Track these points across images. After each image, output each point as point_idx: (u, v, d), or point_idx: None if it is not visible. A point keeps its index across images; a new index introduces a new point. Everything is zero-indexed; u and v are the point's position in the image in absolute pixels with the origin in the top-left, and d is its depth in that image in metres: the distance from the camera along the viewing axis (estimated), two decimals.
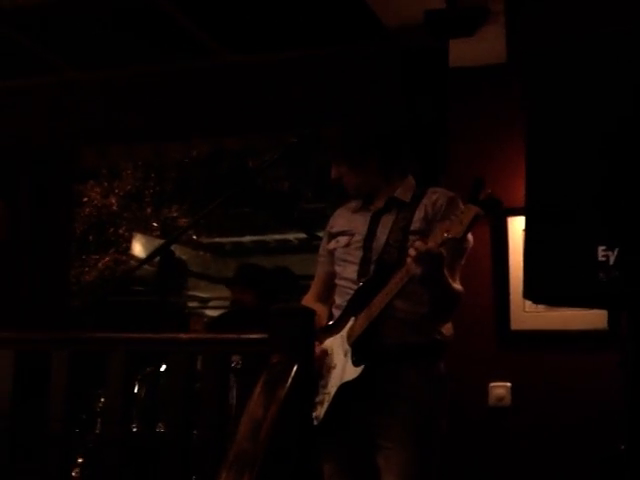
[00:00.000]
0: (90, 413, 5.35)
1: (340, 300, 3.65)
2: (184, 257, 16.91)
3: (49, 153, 6.76)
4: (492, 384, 4.87)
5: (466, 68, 5.13)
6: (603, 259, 2.46)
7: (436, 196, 3.56)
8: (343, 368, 3.42)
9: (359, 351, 3.40)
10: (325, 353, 3.54)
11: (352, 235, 3.67)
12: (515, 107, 4.03)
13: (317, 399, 3.47)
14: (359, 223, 3.68)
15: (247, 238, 18.82)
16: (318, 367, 3.45)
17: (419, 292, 3.36)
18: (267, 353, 2.79)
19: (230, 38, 6.02)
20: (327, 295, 3.80)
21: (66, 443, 3.27)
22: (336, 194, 3.95)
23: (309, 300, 3.82)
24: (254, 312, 6.08)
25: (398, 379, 3.42)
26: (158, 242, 4.05)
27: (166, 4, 5.52)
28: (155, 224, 17.44)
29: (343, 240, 3.70)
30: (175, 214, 17.23)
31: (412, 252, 3.14)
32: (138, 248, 16.56)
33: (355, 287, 3.54)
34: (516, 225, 4.81)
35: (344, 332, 3.49)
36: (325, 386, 3.48)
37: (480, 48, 5.04)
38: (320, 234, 4.24)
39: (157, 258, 4.05)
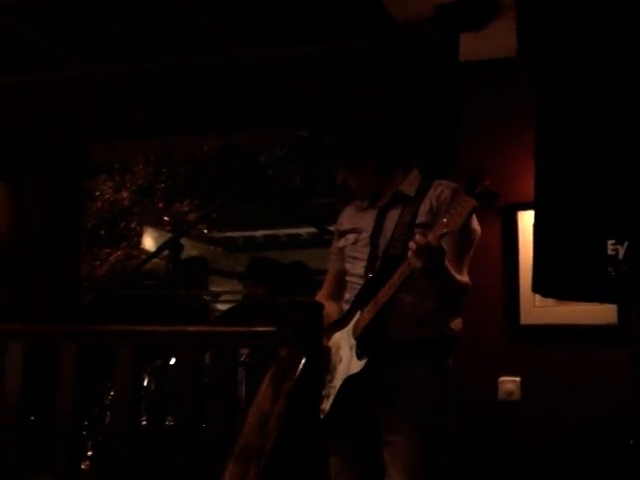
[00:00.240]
0: (100, 406, 5.38)
1: (349, 295, 3.67)
2: (195, 252, 16.96)
3: (58, 149, 6.77)
4: (502, 379, 4.86)
5: (476, 62, 5.12)
6: (612, 253, 2.45)
7: (441, 188, 3.56)
8: (349, 362, 3.44)
9: (363, 344, 3.41)
10: (328, 349, 3.55)
11: (360, 232, 3.69)
12: (525, 101, 4.02)
13: (324, 393, 3.48)
14: (366, 220, 3.69)
15: (259, 233, 18.86)
16: (324, 359, 3.46)
17: (424, 285, 3.36)
18: (276, 346, 2.79)
19: (240, 33, 6.03)
20: (339, 292, 3.81)
21: (75, 436, 3.27)
22: (348, 194, 3.95)
23: (321, 298, 3.82)
24: (264, 305, 6.08)
25: (405, 374, 3.42)
26: (169, 236, 4.08)
27: None
28: (166, 218, 17.48)
29: (351, 237, 3.72)
30: (186, 209, 17.26)
31: (412, 246, 3.14)
32: (149, 242, 16.59)
33: (362, 282, 3.56)
34: (526, 219, 4.80)
35: (350, 326, 3.51)
36: (331, 380, 3.49)
37: (490, 42, 5.04)
38: (331, 228, 4.25)
39: (166, 252, 4.04)
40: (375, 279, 3.46)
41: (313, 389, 2.85)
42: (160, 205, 17.55)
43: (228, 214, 17.50)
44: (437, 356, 3.50)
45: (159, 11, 5.72)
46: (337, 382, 3.46)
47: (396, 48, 5.62)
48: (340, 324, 3.59)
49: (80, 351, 3.14)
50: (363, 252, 3.62)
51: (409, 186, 3.64)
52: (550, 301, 4.66)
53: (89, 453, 5.26)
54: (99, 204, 16.38)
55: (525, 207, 4.73)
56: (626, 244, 2.42)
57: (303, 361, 2.69)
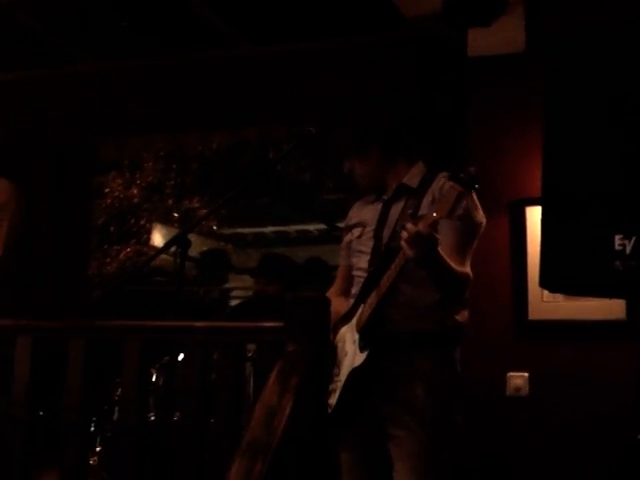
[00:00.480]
0: (109, 402, 5.39)
1: (355, 290, 3.68)
2: (205, 248, 16.96)
3: (67, 145, 6.78)
4: (510, 374, 4.85)
5: (484, 58, 5.11)
6: (620, 248, 2.45)
7: (443, 180, 3.55)
8: (353, 355, 3.44)
9: (364, 337, 3.41)
10: (335, 344, 3.56)
11: (364, 226, 3.70)
12: (532, 96, 4.01)
13: (331, 387, 3.48)
14: (371, 214, 3.70)
15: (268, 229, 18.87)
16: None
17: (425, 277, 3.36)
18: (283, 341, 2.80)
19: (249, 29, 6.03)
20: (348, 288, 3.81)
21: (83, 432, 3.28)
22: (355, 186, 3.96)
23: (332, 294, 3.82)
24: (274, 301, 6.07)
25: (407, 366, 3.42)
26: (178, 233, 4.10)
27: None
28: (176, 215, 17.50)
29: (357, 231, 3.74)
30: (196, 205, 17.28)
31: (404, 235, 3.15)
32: (158, 239, 16.60)
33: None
34: (534, 215, 4.79)
35: (354, 320, 3.52)
36: (338, 374, 3.50)
37: (498, 38, 5.02)
38: (340, 225, 4.26)
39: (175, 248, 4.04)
40: (377, 272, 3.46)
41: (320, 384, 2.85)
42: (170, 202, 17.57)
43: (238, 210, 17.51)
44: (439, 348, 3.50)
45: (168, 7, 5.72)
46: (342, 376, 3.46)
47: (404, 43, 5.61)
48: (346, 319, 3.60)
49: (89, 347, 3.15)
50: (367, 245, 3.63)
51: (412, 178, 3.65)
52: (558, 296, 4.65)
53: (97, 449, 5.27)
54: (109, 201, 16.41)
55: (533, 202, 4.72)
56: (634, 239, 2.42)
57: (310, 356, 2.69)
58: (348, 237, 3.79)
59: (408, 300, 3.44)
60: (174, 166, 17.01)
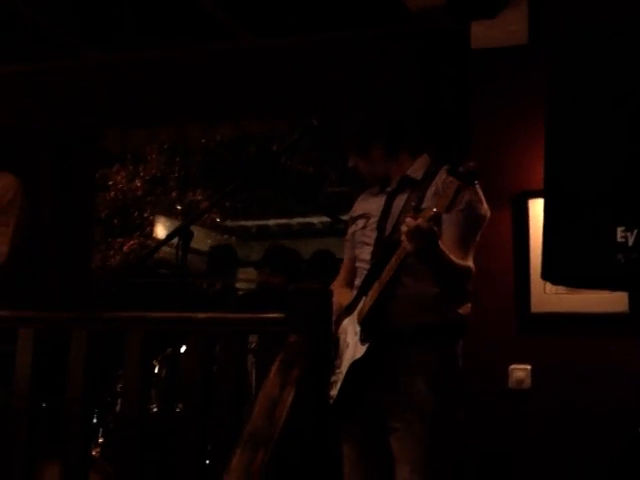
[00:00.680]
0: (112, 394, 5.39)
1: (358, 281, 3.68)
2: (209, 241, 16.97)
3: (71, 138, 6.79)
4: (512, 367, 4.85)
5: (487, 50, 5.10)
6: (622, 240, 2.46)
7: (445, 173, 3.56)
8: (354, 347, 3.44)
9: (365, 329, 3.42)
10: (338, 336, 3.57)
11: (368, 217, 3.70)
12: (536, 89, 4.01)
13: (333, 379, 3.49)
14: (375, 205, 3.71)
15: (272, 221, 18.88)
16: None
17: (424, 268, 3.37)
18: (285, 333, 2.80)
19: (252, 21, 6.02)
20: (353, 279, 3.81)
21: (86, 423, 3.29)
22: (359, 178, 3.96)
23: (337, 285, 3.84)
24: (278, 292, 6.06)
25: (407, 359, 3.42)
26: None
27: None
28: (179, 207, 17.52)
29: (361, 223, 3.74)
30: (200, 198, 17.29)
31: (403, 229, 3.16)
32: (162, 231, 16.62)
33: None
34: (537, 207, 4.78)
35: (356, 312, 3.52)
36: (339, 366, 3.50)
37: (502, 30, 5.02)
38: (344, 218, 4.26)
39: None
40: (378, 264, 3.47)
41: (322, 375, 2.86)
42: (173, 194, 17.59)
43: (241, 203, 17.53)
44: (441, 341, 3.50)
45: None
46: (344, 368, 3.46)
47: (408, 36, 5.60)
48: (349, 310, 3.60)
49: (91, 338, 3.16)
50: (371, 237, 3.64)
51: (416, 171, 3.65)
52: (561, 289, 4.65)
53: (100, 440, 5.28)
54: (112, 194, 16.43)
55: (536, 195, 4.72)
56: (636, 231, 2.43)
57: (312, 348, 2.70)
58: (352, 228, 3.80)
59: (409, 293, 3.44)
60: (178, 159, 17.03)
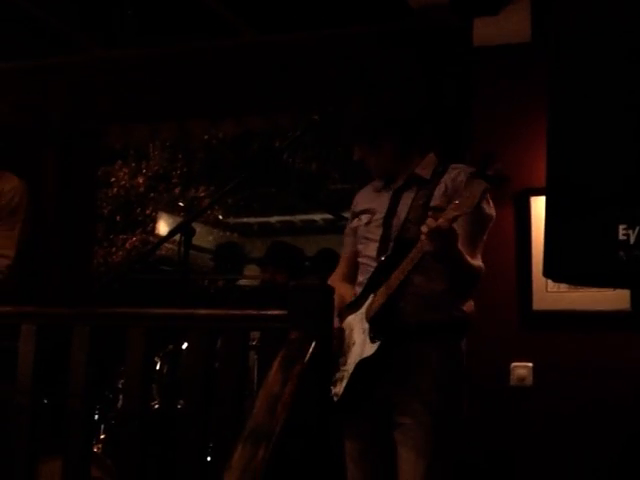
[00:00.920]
0: (113, 390, 5.40)
1: (362, 277, 3.66)
2: (210, 237, 16.99)
3: (73, 135, 6.79)
4: (514, 364, 4.86)
5: (490, 47, 5.11)
6: (624, 238, 2.44)
7: (456, 172, 3.55)
8: (362, 345, 3.43)
9: (376, 327, 3.41)
10: (342, 330, 3.56)
11: (373, 213, 3.68)
12: (539, 86, 4.00)
13: (337, 376, 3.49)
14: (380, 201, 3.69)
15: (274, 218, 18.90)
16: (336, 344, 3.46)
17: (436, 268, 3.36)
18: (286, 329, 2.80)
19: (255, 17, 6.02)
20: (353, 274, 3.81)
21: (87, 419, 3.29)
22: (362, 175, 3.95)
23: (335, 279, 3.83)
24: (282, 289, 6.05)
25: (416, 356, 3.42)
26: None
27: None
28: (181, 204, 17.53)
29: (365, 218, 3.72)
30: (202, 194, 17.31)
31: (424, 229, 3.14)
32: (164, 228, 16.64)
33: (375, 264, 3.56)
34: (539, 205, 4.79)
35: (363, 309, 3.50)
36: (345, 363, 3.49)
37: (504, 27, 5.03)
38: (346, 215, 4.26)
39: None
40: (388, 262, 3.46)
41: (323, 372, 2.85)
42: (176, 191, 17.60)
43: (243, 200, 17.54)
44: (448, 338, 3.51)
45: None
46: (350, 365, 3.46)
47: (410, 33, 5.60)
48: (353, 307, 3.59)
49: (93, 334, 3.16)
50: (376, 233, 3.62)
51: (424, 169, 3.64)
52: (562, 287, 4.66)
53: (102, 436, 5.29)
54: (115, 190, 16.45)
55: (538, 192, 4.73)
56: (637, 229, 2.42)
57: (313, 344, 2.69)
58: (355, 223, 3.78)
59: (418, 291, 3.43)
60: (180, 156, 17.05)
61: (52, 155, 6.67)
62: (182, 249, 3.77)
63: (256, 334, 3.92)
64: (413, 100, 3.78)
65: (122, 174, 16.57)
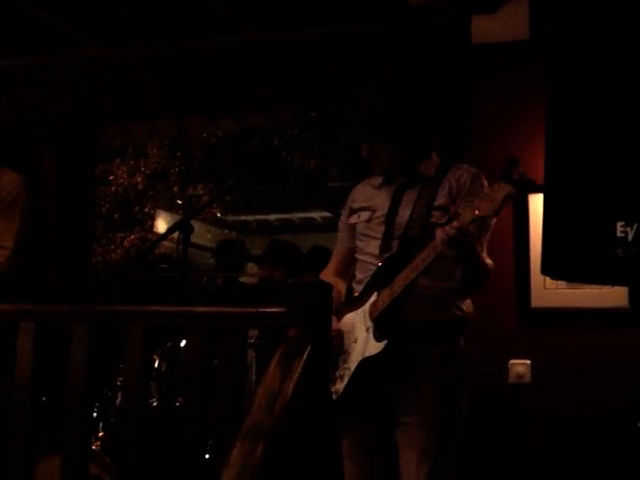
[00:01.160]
0: (112, 388, 5.41)
1: (361, 275, 3.65)
2: (209, 235, 16.99)
3: (71, 132, 6.79)
4: (512, 361, 4.87)
5: (488, 45, 5.11)
6: (621, 235, 2.45)
7: (460, 172, 3.55)
8: (365, 343, 3.42)
9: (382, 327, 3.39)
10: (341, 333, 3.55)
11: (374, 210, 3.65)
12: (537, 84, 4.01)
13: (337, 374, 3.48)
14: (381, 199, 3.66)
15: (272, 216, 18.91)
16: (336, 342, 3.46)
17: (443, 268, 3.38)
18: (285, 327, 2.80)
19: (253, 15, 6.02)
20: (346, 270, 3.81)
21: (86, 417, 3.29)
22: (361, 173, 3.94)
23: (328, 275, 3.79)
24: (281, 286, 6.06)
25: (420, 355, 3.42)
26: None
27: None
28: (180, 202, 17.54)
29: (365, 215, 3.68)
30: (201, 192, 17.31)
31: (442, 234, 3.15)
32: (162, 226, 16.64)
33: (377, 262, 3.53)
34: (538, 203, 4.79)
35: (366, 307, 3.48)
36: (345, 361, 3.48)
37: (503, 25, 5.03)
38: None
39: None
40: (393, 260, 3.45)
41: (322, 369, 2.85)
42: (174, 189, 17.61)
43: (242, 198, 17.55)
44: (449, 337, 3.51)
45: None
46: (352, 364, 3.45)
47: (409, 30, 5.60)
48: (354, 304, 3.58)
49: (92, 332, 3.16)
50: (377, 231, 3.59)
51: (428, 168, 3.62)
52: (561, 284, 4.67)
53: (100, 434, 5.29)
54: (113, 188, 16.45)
55: (537, 190, 4.72)
56: (635, 226, 2.43)
57: (311, 342, 2.70)
58: (353, 219, 3.74)
59: (423, 291, 3.43)
60: (179, 153, 17.05)
61: (51, 153, 6.68)
62: (180, 247, 3.77)
63: (254, 332, 3.91)
64: (414, 98, 3.76)
65: (120, 172, 16.59)
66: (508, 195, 3.08)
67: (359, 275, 3.67)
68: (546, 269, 2.72)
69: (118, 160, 16.22)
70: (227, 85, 6.20)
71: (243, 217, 19.11)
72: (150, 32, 6.28)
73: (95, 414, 5.23)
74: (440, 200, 3.49)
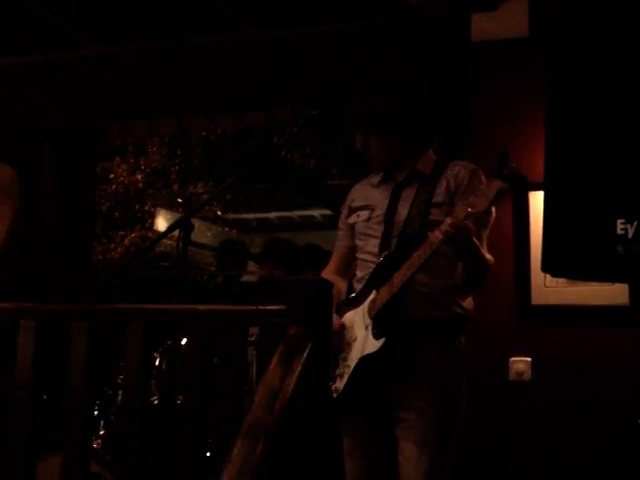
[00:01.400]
0: (113, 386, 5.41)
1: (361, 273, 3.65)
2: (209, 234, 16.99)
3: (72, 130, 6.79)
4: (512, 359, 4.87)
5: (488, 42, 5.11)
6: (622, 232, 2.45)
7: (458, 168, 3.55)
8: (364, 341, 3.42)
9: (380, 324, 3.39)
10: (343, 327, 3.55)
11: (373, 209, 3.65)
12: (537, 81, 4.00)
13: (337, 372, 3.48)
14: (380, 197, 3.66)
15: (272, 214, 18.90)
16: (337, 340, 3.46)
17: (442, 266, 3.39)
18: (285, 324, 2.80)
19: (253, 13, 6.02)
20: (346, 269, 3.81)
21: (87, 415, 3.29)
22: (361, 171, 3.93)
23: (328, 273, 3.80)
24: (281, 284, 6.05)
25: (419, 353, 3.42)
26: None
27: None
28: (180, 200, 17.54)
29: (364, 214, 3.68)
30: (201, 190, 17.32)
31: (439, 232, 3.16)
32: (163, 224, 16.64)
33: (376, 261, 3.53)
34: (538, 200, 4.78)
35: (365, 305, 3.48)
36: (345, 359, 3.48)
37: (502, 22, 5.03)
38: None
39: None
40: (392, 258, 3.45)
41: (322, 367, 2.85)
42: (174, 187, 17.61)
43: (242, 196, 17.55)
44: (450, 335, 3.51)
45: None
46: (351, 362, 3.45)
47: (408, 28, 5.60)
48: (353, 302, 3.58)
49: (92, 330, 3.16)
50: (377, 229, 3.59)
51: (425, 165, 3.61)
52: (561, 281, 4.67)
53: (101, 432, 5.30)
54: (113, 187, 16.46)
55: (537, 187, 4.70)
56: (635, 223, 2.42)
57: (312, 340, 2.70)
58: (352, 219, 3.74)
59: (422, 288, 3.43)
60: (179, 152, 17.05)
61: (51, 152, 6.68)
62: (181, 245, 3.77)
63: (255, 330, 3.91)
64: (414, 95, 3.76)
65: (121, 170, 16.59)
66: (500, 191, 3.08)
67: (359, 274, 3.67)
68: (546, 267, 2.72)
69: (118, 158, 16.21)
70: (227, 83, 6.20)
71: (243, 215, 19.10)
72: (150, 30, 6.28)
73: (96, 412, 5.23)
74: (438, 197, 3.49)
